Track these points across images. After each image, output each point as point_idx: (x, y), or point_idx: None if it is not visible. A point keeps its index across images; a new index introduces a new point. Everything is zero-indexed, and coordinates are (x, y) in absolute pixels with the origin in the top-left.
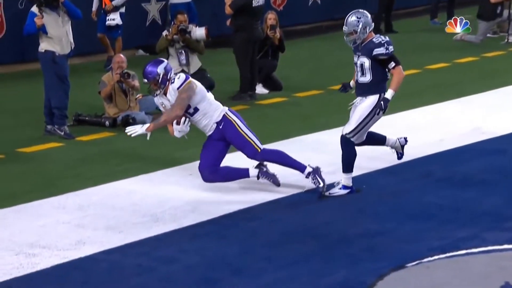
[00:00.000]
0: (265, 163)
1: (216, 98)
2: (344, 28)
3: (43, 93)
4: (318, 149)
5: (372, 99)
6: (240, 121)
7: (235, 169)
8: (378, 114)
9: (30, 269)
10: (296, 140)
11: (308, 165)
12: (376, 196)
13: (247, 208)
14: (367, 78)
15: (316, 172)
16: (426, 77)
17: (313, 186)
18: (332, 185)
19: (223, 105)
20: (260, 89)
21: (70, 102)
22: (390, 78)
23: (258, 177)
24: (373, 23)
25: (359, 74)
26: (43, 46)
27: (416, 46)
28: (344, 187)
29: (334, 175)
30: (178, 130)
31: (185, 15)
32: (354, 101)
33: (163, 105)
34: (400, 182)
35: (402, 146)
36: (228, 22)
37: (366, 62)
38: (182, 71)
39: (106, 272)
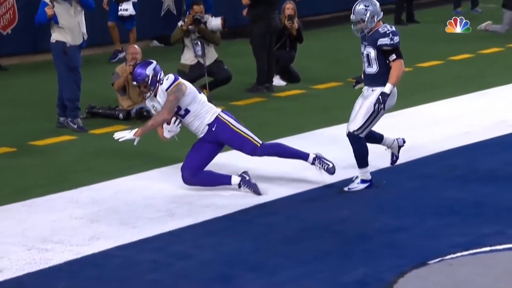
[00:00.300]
0: (248, 172)
1: (232, 90)
2: (352, 16)
3: (56, 84)
4: (336, 144)
5: (378, 92)
6: (234, 120)
7: (217, 175)
8: (381, 109)
9: (43, 264)
10: (313, 133)
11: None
12: (397, 191)
13: (263, 203)
14: (374, 68)
15: (320, 156)
16: (450, 68)
17: (330, 179)
18: (350, 180)
19: (230, 102)
20: (277, 81)
21: (83, 94)
22: None
23: (239, 186)
24: (393, 13)
25: (366, 64)
26: (55, 36)
27: (439, 37)
28: (363, 181)
29: (354, 169)
30: (168, 130)
31: (201, 6)
32: (363, 90)
33: (154, 108)
34: (422, 177)
35: (399, 147)
36: (244, 12)
37: (372, 53)
38: (198, 62)
39: (120, 268)
